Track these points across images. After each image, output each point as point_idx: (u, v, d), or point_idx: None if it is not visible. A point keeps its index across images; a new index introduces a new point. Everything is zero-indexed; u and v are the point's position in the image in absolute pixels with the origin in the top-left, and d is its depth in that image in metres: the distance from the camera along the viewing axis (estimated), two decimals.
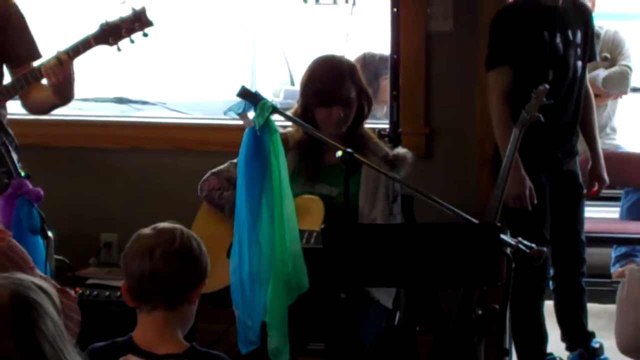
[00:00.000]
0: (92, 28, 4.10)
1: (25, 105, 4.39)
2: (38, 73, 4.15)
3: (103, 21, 4.05)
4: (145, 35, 4.07)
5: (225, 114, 3.76)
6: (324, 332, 3.92)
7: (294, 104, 4.25)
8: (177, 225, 3.01)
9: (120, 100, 6.56)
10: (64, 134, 5.30)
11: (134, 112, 6.30)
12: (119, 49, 4.07)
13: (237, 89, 3.50)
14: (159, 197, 5.04)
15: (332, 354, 3.94)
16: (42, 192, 3.45)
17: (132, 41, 4.06)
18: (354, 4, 5.00)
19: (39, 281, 2.08)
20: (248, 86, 3.63)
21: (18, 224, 3.40)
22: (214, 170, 4.15)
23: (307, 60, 4.33)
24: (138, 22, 4.06)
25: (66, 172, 5.09)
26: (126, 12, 4.08)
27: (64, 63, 4.00)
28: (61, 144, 5.24)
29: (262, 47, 8.03)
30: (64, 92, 4.11)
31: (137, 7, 4.08)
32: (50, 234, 3.53)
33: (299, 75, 4.71)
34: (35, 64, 4.23)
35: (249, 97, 3.47)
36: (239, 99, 3.48)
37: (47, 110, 4.39)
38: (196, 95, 7.29)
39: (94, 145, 5.25)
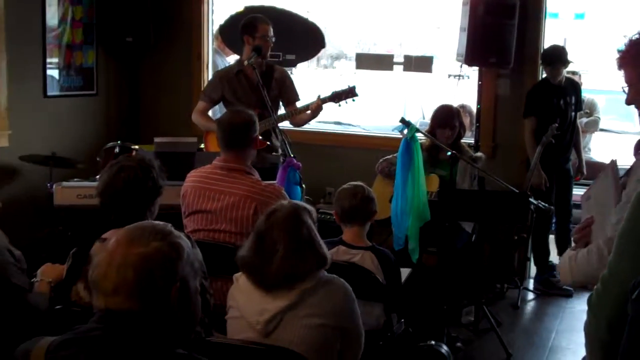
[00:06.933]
0: (325, 94, 4.82)
1: (292, 122, 5.03)
2: (300, 110, 4.71)
3: (333, 91, 4.77)
4: (354, 100, 4.78)
5: (392, 130, 4.76)
6: (436, 241, 4.49)
7: (425, 128, 4.87)
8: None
9: (337, 123, 7.63)
10: (316, 138, 6.22)
11: (347, 129, 7.09)
12: (339, 105, 4.81)
13: (399, 118, 4.16)
14: (353, 168, 5.62)
15: (440, 253, 4.48)
16: (300, 165, 3.97)
17: (346, 102, 4.79)
18: (461, 77, 5.43)
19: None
20: (404, 117, 4.20)
21: (288, 180, 3.94)
22: (385, 157, 4.83)
23: (434, 106, 5.06)
24: (351, 93, 4.79)
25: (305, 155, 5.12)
26: (344, 86, 4.81)
27: (320, 105, 4.73)
28: (311, 142, 6.07)
29: (409, 95, 8.57)
30: (315, 117, 4.80)
31: (351, 84, 4.83)
32: (303, 186, 4.00)
33: (427, 114, 5.56)
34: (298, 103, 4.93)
35: (405, 122, 4.12)
36: (399, 124, 4.14)
37: (302, 125, 5.00)
38: (375, 121, 8.30)
39: (327, 144, 6.11)
